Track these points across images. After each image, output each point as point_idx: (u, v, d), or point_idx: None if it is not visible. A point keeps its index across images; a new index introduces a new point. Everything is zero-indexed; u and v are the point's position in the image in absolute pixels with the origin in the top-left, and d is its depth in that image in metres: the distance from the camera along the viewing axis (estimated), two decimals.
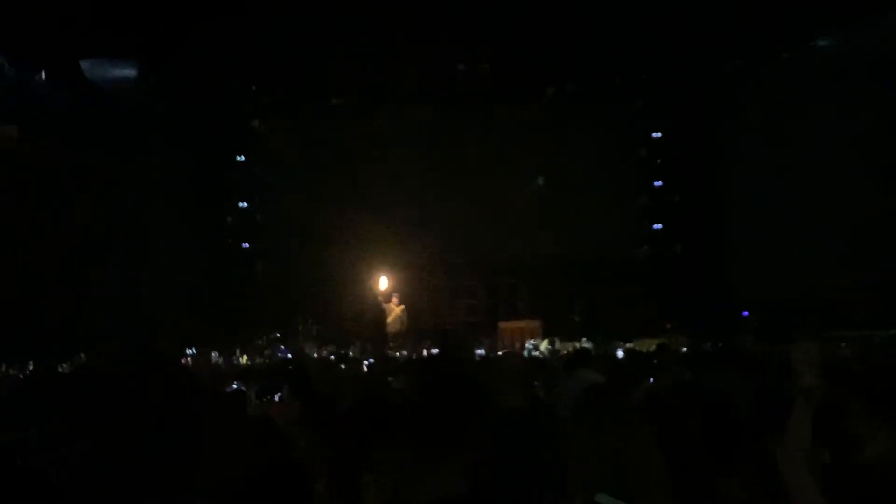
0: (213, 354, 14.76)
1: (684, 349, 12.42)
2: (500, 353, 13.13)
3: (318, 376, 6.29)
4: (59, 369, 10.22)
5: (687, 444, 2.88)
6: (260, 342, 16.54)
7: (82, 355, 12.12)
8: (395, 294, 16.74)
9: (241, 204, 20.26)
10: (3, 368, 12.10)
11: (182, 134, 18.20)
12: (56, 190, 15.10)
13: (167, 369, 1.73)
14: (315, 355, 14.25)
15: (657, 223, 20.03)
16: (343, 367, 11.06)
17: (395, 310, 16.58)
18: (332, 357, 13.69)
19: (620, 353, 11.65)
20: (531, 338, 15.29)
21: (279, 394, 4.96)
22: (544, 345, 14.37)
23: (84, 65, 16.22)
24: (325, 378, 6.22)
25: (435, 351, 14.84)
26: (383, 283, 16.95)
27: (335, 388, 5.50)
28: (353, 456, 3.79)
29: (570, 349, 12.88)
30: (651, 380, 6.08)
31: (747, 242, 17.07)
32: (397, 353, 14.37)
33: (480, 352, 14.31)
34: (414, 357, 13.12)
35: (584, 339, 14.52)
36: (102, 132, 16.07)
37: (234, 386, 6.14)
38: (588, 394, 2.93)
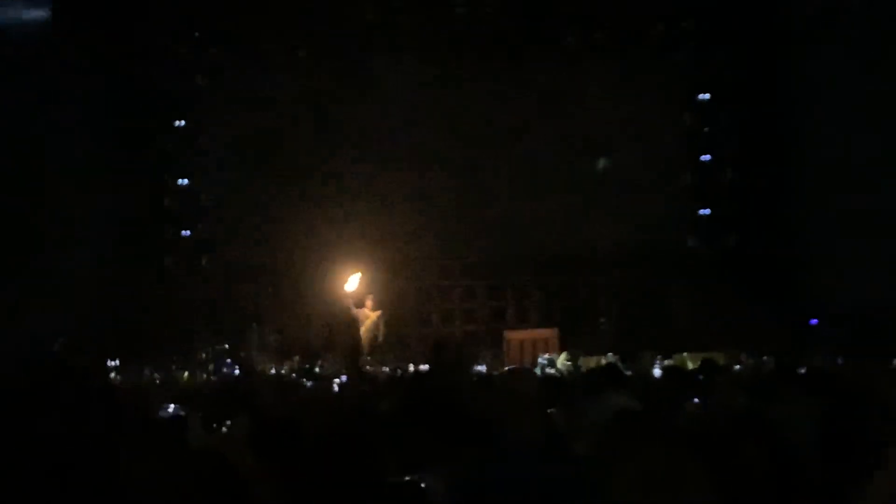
0: (144, 371, 14.73)
1: (737, 367, 12.45)
2: (505, 369, 13.15)
3: (276, 398, 6.29)
4: None
5: (743, 484, 2.88)
6: (203, 355, 16.48)
7: None
8: (370, 297, 16.66)
9: (180, 181, 20.19)
10: None
11: (101, 91, 18.12)
12: None
13: (83, 385, 1.82)
14: (273, 371, 14.24)
15: (705, 208, 20.03)
16: (309, 384, 11.09)
17: (369, 316, 16.53)
18: (294, 374, 13.71)
19: (658, 372, 11.67)
20: (545, 351, 15.31)
21: (228, 422, 4.96)
22: (562, 360, 14.40)
23: None
24: (284, 401, 6.22)
25: (424, 368, 14.84)
26: (354, 282, 16.91)
27: (298, 414, 5.49)
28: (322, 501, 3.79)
29: (594, 365, 12.90)
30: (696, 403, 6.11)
31: (820, 233, 17.09)
32: (372, 370, 14.37)
33: (481, 368, 14.33)
34: (399, 375, 13.14)
35: (610, 354, 14.54)
36: None
37: (171, 410, 6.14)
38: (619, 422, 2.94)
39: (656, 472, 2.61)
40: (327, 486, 3.93)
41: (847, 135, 16.69)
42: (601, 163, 19.25)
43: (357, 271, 17.03)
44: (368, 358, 15.71)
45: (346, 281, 16.92)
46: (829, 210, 17.01)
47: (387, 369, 14.84)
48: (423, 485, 3.85)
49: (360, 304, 16.61)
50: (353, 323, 16.55)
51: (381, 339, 16.49)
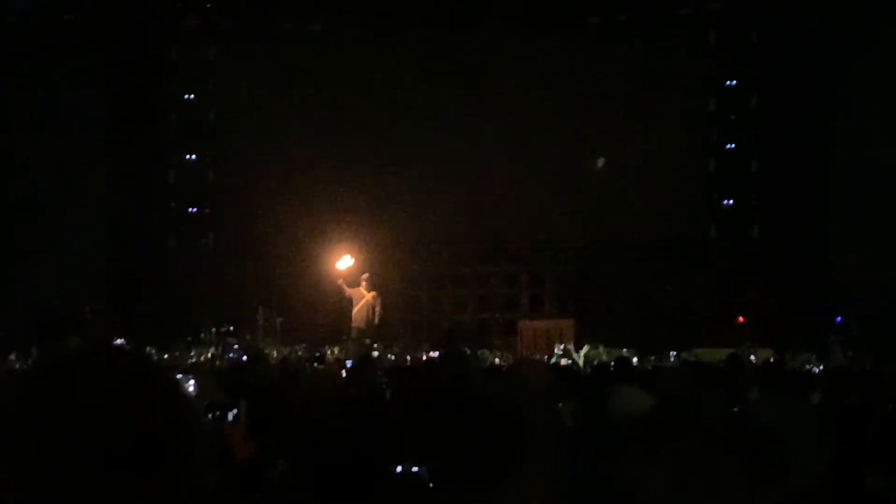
0: (147, 350, 14.66)
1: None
2: (514, 360, 13.07)
3: (283, 385, 6.25)
4: None
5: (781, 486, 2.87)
6: (205, 335, 16.36)
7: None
8: (365, 276, 16.54)
9: (187, 157, 20.16)
10: None
11: (108, 64, 18.10)
12: None
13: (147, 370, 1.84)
14: (278, 356, 14.18)
15: (728, 198, 19.91)
16: (316, 367, 11.05)
17: (364, 296, 16.39)
18: (301, 359, 13.65)
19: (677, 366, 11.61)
20: (560, 342, 15.22)
21: (233, 411, 4.92)
22: (584, 351, 14.25)
23: None
24: (291, 387, 6.18)
25: (434, 354, 14.74)
26: (345, 262, 16.81)
27: (304, 400, 5.44)
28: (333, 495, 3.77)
29: (605, 357, 12.86)
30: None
31: (846, 226, 16.98)
32: (375, 353, 14.26)
33: (495, 358, 14.25)
34: (408, 362, 13.09)
35: (625, 349, 14.40)
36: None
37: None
38: (643, 420, 2.90)
39: (691, 473, 2.59)
40: (333, 474, 3.92)
41: (878, 125, 16.58)
42: (619, 150, 19.05)
43: (348, 253, 16.99)
44: (375, 345, 15.59)
45: (338, 259, 16.86)
46: (856, 202, 16.90)
47: (392, 357, 14.75)
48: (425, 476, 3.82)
49: (354, 284, 16.53)
50: (348, 303, 16.51)
51: (376, 320, 16.40)
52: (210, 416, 5.22)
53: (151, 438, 1.65)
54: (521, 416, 3.06)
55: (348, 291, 16.41)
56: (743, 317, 17.45)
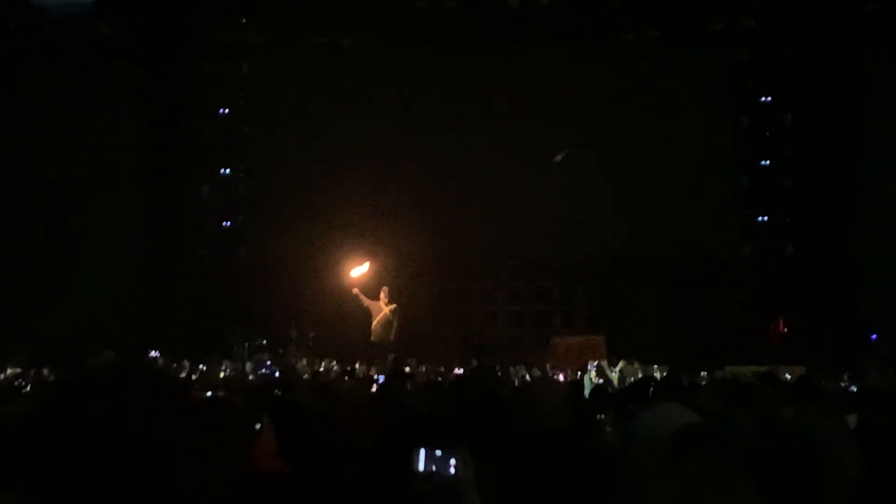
0: (182, 363, 14.61)
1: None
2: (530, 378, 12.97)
3: (313, 399, 6.20)
4: None
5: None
6: (238, 349, 16.31)
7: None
8: (384, 290, 16.41)
9: (221, 171, 20.21)
10: None
11: (143, 79, 18.19)
12: None
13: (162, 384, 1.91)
14: (309, 370, 14.10)
15: (762, 215, 19.74)
16: (347, 381, 10.98)
17: (383, 309, 16.25)
18: (332, 374, 13.59)
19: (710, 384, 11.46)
20: (593, 358, 15.10)
21: (259, 425, 4.87)
22: (619, 367, 14.10)
23: None
24: (322, 401, 6.13)
25: (461, 371, 14.65)
26: (361, 269, 16.65)
27: (334, 414, 5.39)
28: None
29: (641, 374, 12.74)
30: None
31: (881, 243, 16.78)
32: (407, 369, 14.17)
33: (525, 374, 14.13)
34: (438, 378, 12.99)
35: (656, 366, 14.28)
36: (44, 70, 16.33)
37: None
38: (685, 438, 2.82)
39: (701, 485, 2.55)
40: (360, 486, 3.90)
41: None
42: (652, 165, 18.91)
43: (366, 261, 16.85)
44: (406, 360, 15.44)
45: (354, 266, 16.71)
46: (891, 220, 16.71)
47: (424, 370, 14.66)
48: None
49: (374, 296, 16.37)
50: (367, 314, 16.31)
51: (392, 335, 16.25)
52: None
53: (159, 452, 1.77)
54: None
55: (366, 302, 16.26)
56: (774, 336, 17.32)
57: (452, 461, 2.91)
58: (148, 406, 1.82)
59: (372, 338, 16.20)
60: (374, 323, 16.20)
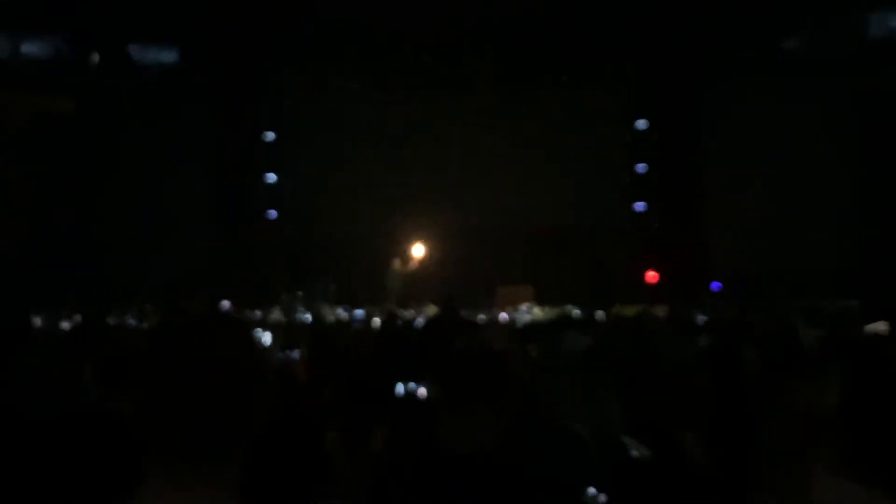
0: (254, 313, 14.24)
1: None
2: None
3: (332, 335, 6.20)
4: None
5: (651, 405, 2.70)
6: (284, 298, 15.96)
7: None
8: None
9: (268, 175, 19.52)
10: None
11: (214, 111, 17.89)
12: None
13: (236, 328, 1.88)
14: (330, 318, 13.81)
15: (638, 202, 19.57)
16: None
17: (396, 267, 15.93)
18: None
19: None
20: (523, 302, 15.11)
21: (297, 350, 4.93)
22: (539, 309, 14.13)
23: (132, 48, 16.41)
24: (337, 337, 6.14)
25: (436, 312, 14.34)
26: (419, 249, 16.14)
27: (346, 346, 5.40)
28: (367, 408, 3.75)
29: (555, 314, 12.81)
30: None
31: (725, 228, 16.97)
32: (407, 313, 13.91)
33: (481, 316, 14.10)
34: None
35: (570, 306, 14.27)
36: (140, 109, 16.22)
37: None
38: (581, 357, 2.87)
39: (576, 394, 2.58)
40: (363, 391, 3.92)
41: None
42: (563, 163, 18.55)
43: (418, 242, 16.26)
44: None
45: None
46: (732, 199, 16.88)
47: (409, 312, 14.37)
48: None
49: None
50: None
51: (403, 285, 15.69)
52: (282, 353, 5.21)
53: (236, 376, 1.76)
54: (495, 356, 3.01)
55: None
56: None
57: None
58: (234, 346, 1.82)
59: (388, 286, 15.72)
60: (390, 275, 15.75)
